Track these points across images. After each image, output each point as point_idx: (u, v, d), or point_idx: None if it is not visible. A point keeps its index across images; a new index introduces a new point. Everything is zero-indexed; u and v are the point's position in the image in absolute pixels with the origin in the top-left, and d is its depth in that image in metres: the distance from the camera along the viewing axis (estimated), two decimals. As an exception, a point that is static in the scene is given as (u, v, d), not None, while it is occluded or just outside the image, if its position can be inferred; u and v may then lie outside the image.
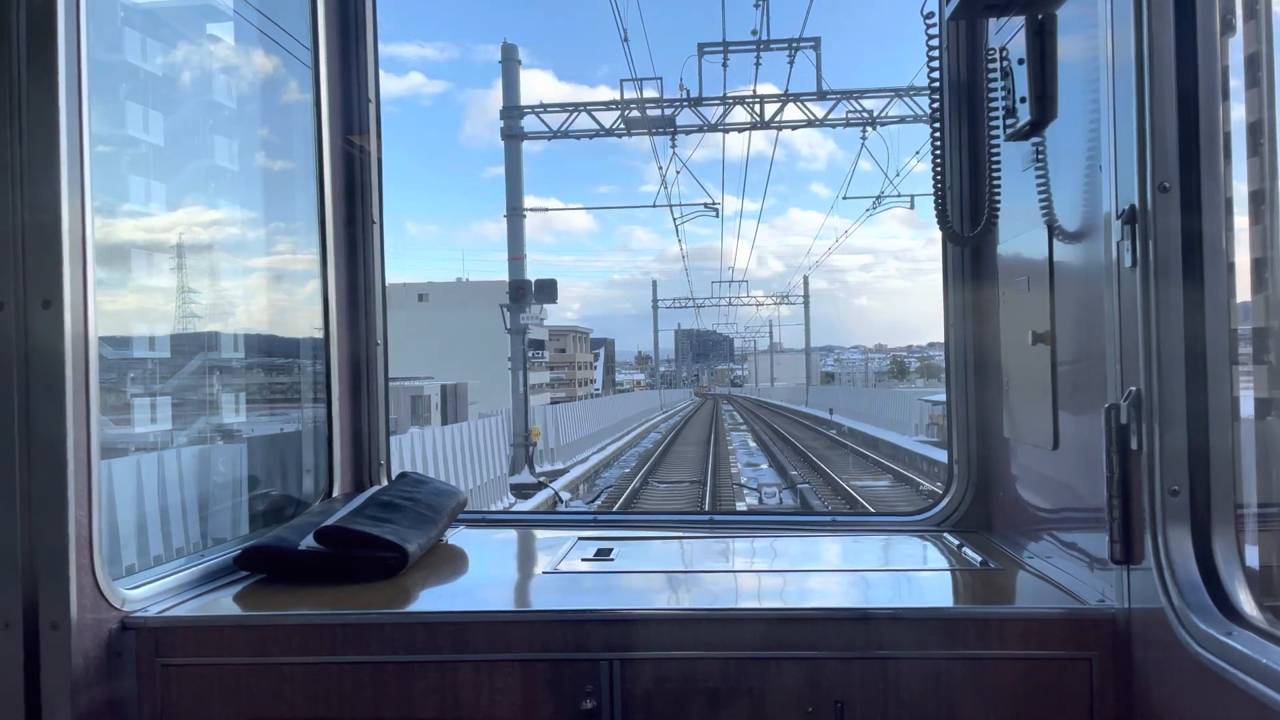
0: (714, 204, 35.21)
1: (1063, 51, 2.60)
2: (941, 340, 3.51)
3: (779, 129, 28.81)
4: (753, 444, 50.84)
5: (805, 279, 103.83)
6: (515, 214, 29.36)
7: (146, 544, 3.09)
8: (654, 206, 37.96)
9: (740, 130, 28.83)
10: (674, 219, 36.54)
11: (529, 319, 29.76)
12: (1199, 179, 2.01)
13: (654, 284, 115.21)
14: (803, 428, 61.69)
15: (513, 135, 28.95)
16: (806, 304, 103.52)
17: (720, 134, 29.34)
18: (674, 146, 30.34)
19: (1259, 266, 2.12)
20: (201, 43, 3.53)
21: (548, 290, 29.17)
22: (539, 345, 31.56)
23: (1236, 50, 2.06)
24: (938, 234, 3.26)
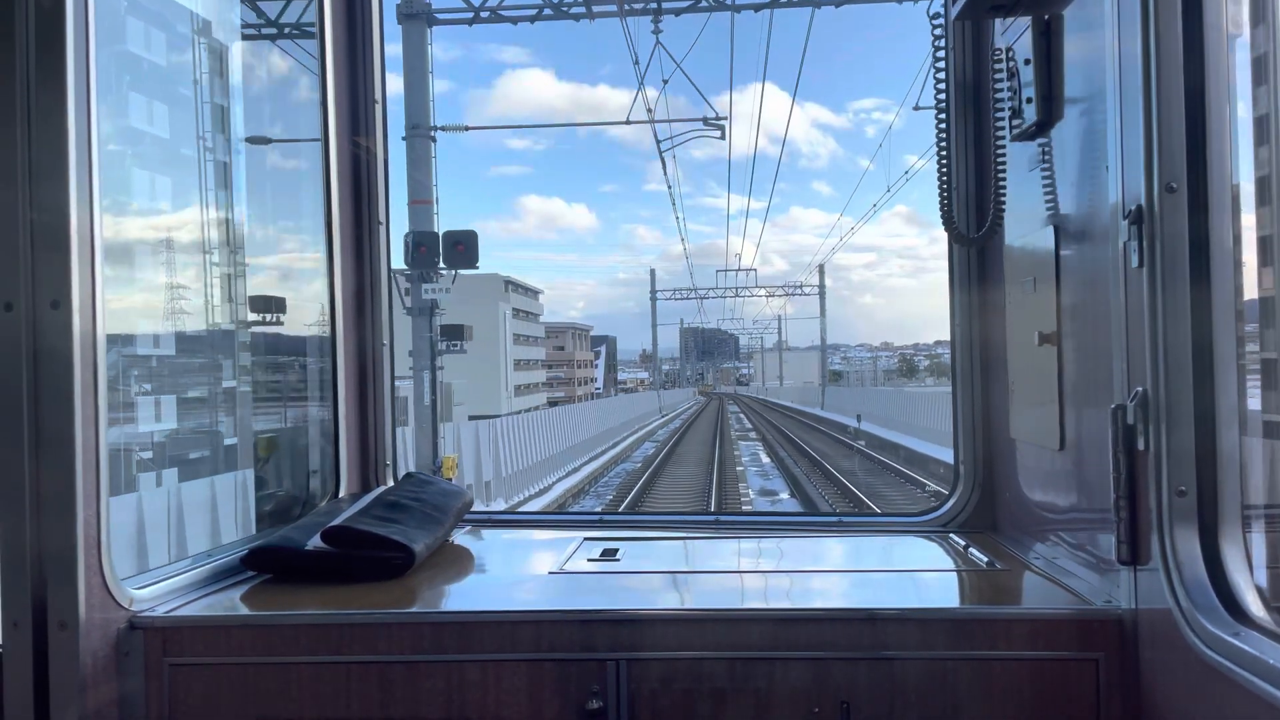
0: (718, 119, 22.93)
1: (1069, 52, 2.60)
2: (947, 338, 3.51)
3: (815, 5, 19.98)
4: (766, 460, 40.30)
5: (821, 268, 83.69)
6: (418, 134, 19.92)
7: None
8: (629, 123, 22.81)
9: (756, 8, 20.55)
10: (659, 144, 25.46)
11: (436, 289, 19.98)
12: (1206, 179, 2.00)
13: (651, 272, 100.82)
14: (825, 438, 49.81)
15: (413, 15, 19.91)
16: (822, 294, 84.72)
17: (728, 13, 20.50)
18: (657, 31, 20.74)
19: (1266, 266, 2.12)
20: (208, 43, 3.54)
21: (465, 249, 19.00)
22: (455, 333, 21.99)
23: (1244, 49, 2.06)
24: (940, 232, 3.26)
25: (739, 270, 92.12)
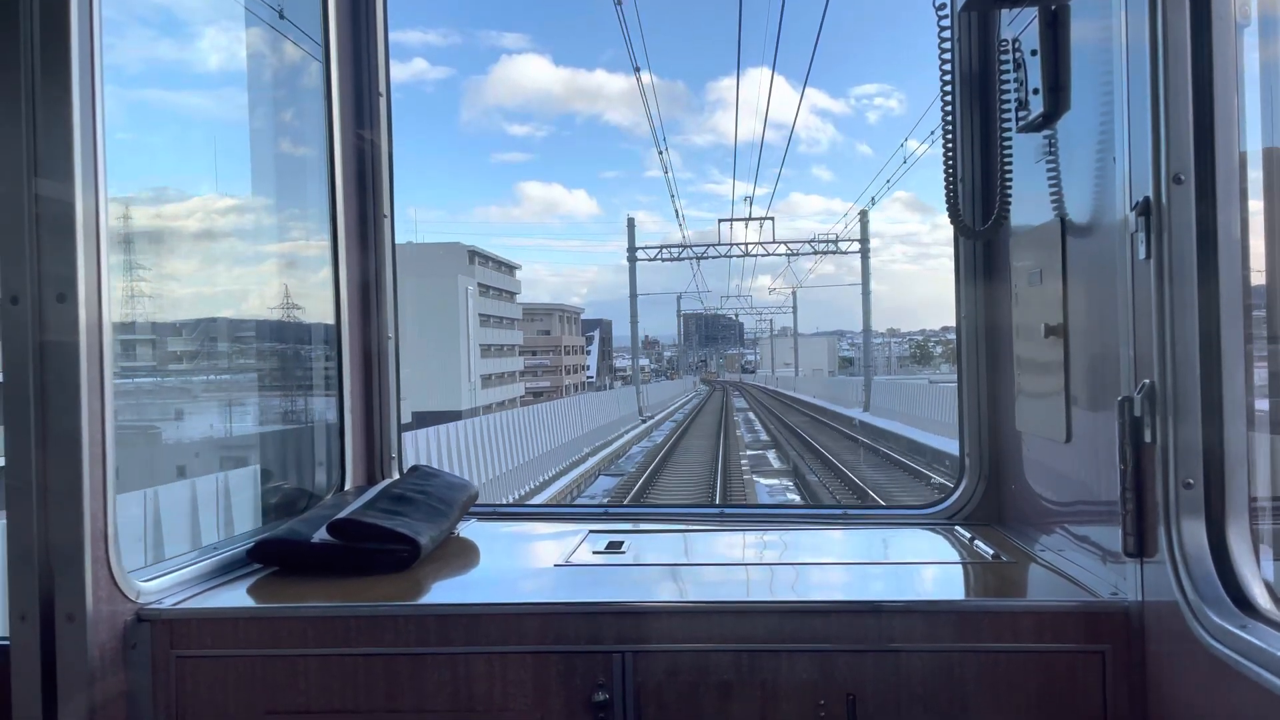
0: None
1: (1076, 42, 2.59)
2: (953, 324, 3.51)
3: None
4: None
5: (863, 213, 52.83)
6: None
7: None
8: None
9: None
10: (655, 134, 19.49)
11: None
12: (1214, 170, 1.99)
13: (629, 223, 58.47)
14: (908, 478, 26.94)
15: None
16: (865, 251, 53.19)
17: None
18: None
19: (1274, 258, 2.11)
20: (211, 35, 3.53)
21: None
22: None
23: (1252, 37, 2.05)
24: (942, 218, 3.24)
25: (748, 220, 59.83)
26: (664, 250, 59.22)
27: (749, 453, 38.02)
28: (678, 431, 48.76)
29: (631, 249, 57.52)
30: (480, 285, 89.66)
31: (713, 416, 61.85)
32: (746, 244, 57.67)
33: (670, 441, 41.89)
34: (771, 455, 37.14)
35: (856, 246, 53.09)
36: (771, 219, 58.64)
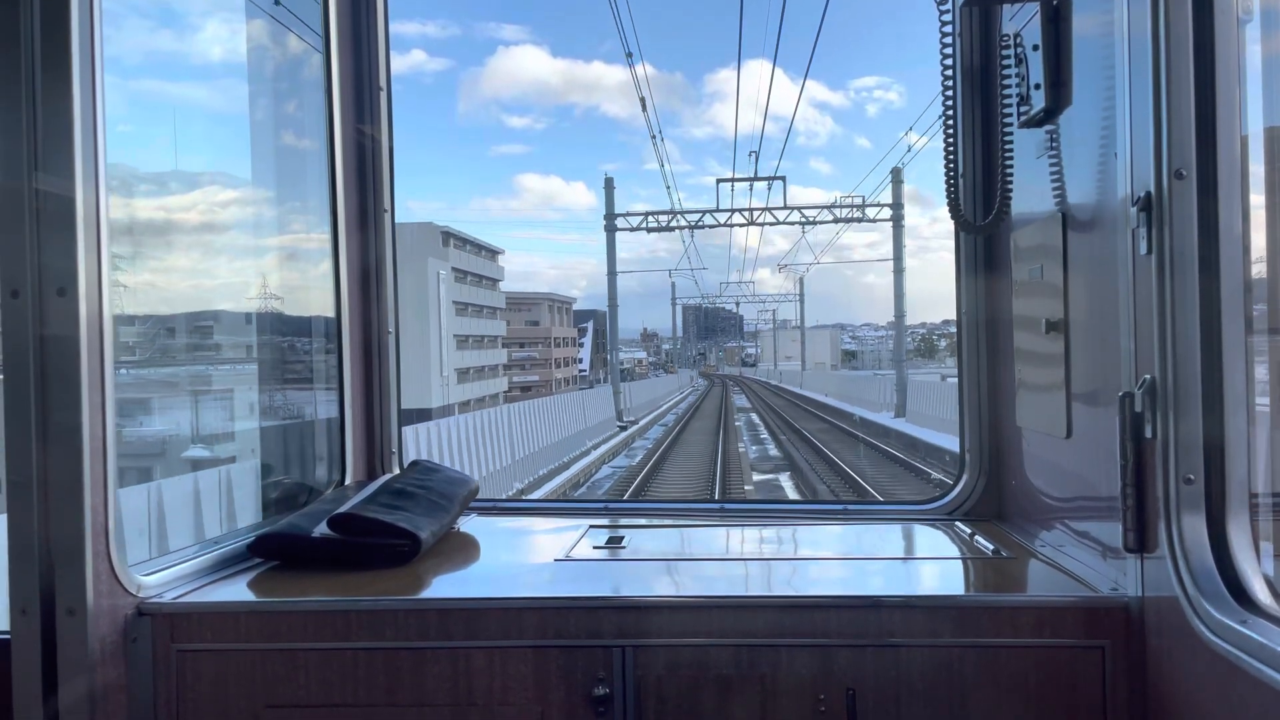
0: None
1: (1077, 37, 2.58)
2: (954, 318, 3.50)
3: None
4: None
5: (896, 171, 41.97)
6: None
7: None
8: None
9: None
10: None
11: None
12: (1215, 165, 1.99)
13: (607, 182, 44.13)
14: None
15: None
16: (898, 218, 42.50)
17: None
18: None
19: (1276, 253, 2.11)
20: (211, 28, 3.52)
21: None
22: None
23: (1254, 32, 2.04)
24: (942, 211, 3.23)
25: (753, 179, 45.98)
26: (650, 218, 45.55)
27: (757, 477, 26.87)
28: (664, 443, 37.84)
29: (610, 215, 44.52)
30: (456, 270, 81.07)
31: (709, 420, 51.70)
32: (751, 209, 45.36)
33: (651, 460, 31.19)
34: (786, 483, 25.81)
35: (885, 213, 42.60)
36: (783, 179, 44.04)
